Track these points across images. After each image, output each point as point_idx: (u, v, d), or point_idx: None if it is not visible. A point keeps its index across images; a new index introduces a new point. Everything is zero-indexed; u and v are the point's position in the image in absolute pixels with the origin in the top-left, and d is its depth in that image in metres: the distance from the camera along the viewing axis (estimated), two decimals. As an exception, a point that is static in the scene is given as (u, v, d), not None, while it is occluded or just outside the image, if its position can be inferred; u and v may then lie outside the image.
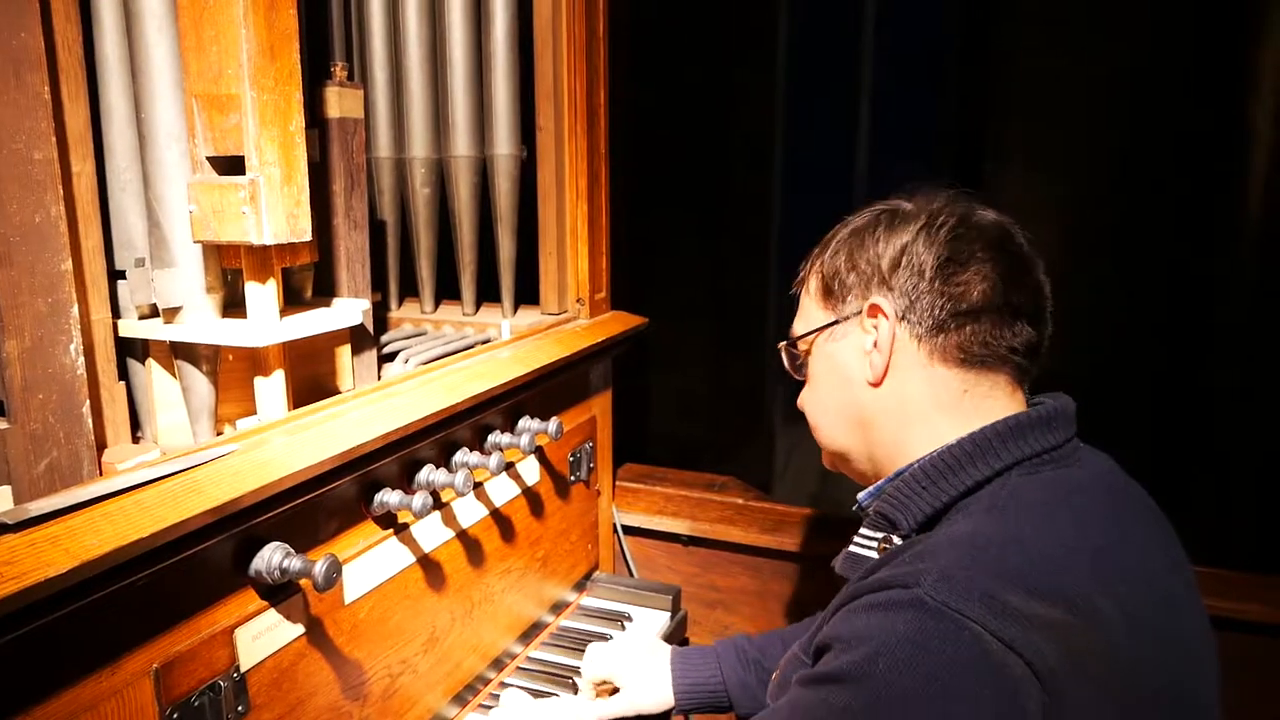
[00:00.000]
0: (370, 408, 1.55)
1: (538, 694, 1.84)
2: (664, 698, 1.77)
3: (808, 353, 1.40)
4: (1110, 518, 1.16)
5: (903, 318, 1.25)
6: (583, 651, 1.95)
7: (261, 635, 1.32)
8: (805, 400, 1.43)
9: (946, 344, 1.23)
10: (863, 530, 1.30)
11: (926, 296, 1.23)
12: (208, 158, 1.44)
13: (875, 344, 1.28)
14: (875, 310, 1.27)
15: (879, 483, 1.31)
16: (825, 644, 1.10)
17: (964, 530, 1.10)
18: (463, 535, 1.78)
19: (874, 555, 1.24)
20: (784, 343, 1.45)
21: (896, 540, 1.22)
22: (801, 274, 1.44)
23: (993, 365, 1.24)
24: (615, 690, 1.81)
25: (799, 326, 1.42)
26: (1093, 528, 1.11)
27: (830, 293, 1.34)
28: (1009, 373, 1.26)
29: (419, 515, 1.54)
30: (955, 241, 1.24)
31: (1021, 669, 0.95)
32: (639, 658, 1.81)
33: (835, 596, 1.21)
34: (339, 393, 1.77)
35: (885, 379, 1.28)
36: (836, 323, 1.34)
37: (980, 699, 0.95)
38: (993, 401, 1.24)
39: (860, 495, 1.35)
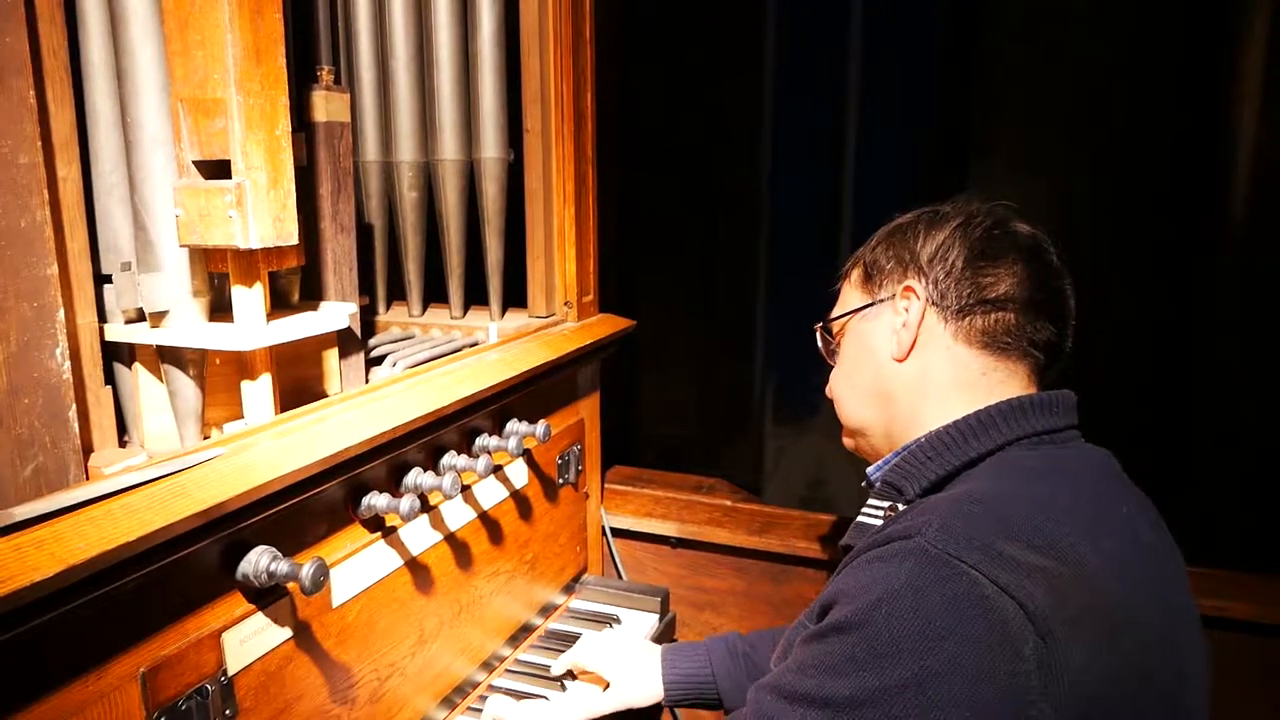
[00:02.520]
0: (357, 411, 1.55)
1: (522, 696, 1.84)
2: (654, 691, 1.78)
3: (841, 334, 1.50)
4: (1103, 490, 1.22)
5: (933, 301, 1.34)
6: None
7: (249, 639, 1.32)
8: (833, 380, 1.52)
9: (971, 327, 1.32)
10: (870, 501, 1.37)
11: (957, 284, 1.32)
12: (194, 161, 1.44)
13: (905, 323, 1.36)
14: (908, 291, 1.36)
15: (887, 457, 1.39)
16: (830, 600, 1.16)
17: (964, 490, 1.18)
18: (451, 538, 1.78)
19: (880, 523, 1.30)
20: (819, 325, 1.54)
21: (902, 506, 1.29)
22: (844, 268, 1.54)
23: (1013, 355, 1.32)
24: (602, 684, 1.82)
25: (837, 310, 1.52)
26: (1085, 494, 1.18)
27: (869, 278, 1.44)
28: (1028, 365, 1.33)
29: (406, 518, 1.54)
30: (989, 241, 1.33)
31: (1015, 611, 1.01)
32: (628, 653, 1.82)
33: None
34: (326, 396, 1.77)
35: (910, 355, 1.36)
36: (872, 304, 1.43)
37: (976, 639, 1.00)
38: (1006, 388, 1.31)
39: (869, 470, 1.43)
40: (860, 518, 1.38)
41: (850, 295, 1.50)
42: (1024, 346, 1.31)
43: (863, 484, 1.44)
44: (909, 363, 1.36)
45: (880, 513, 1.33)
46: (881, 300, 1.41)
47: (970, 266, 1.32)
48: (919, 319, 1.35)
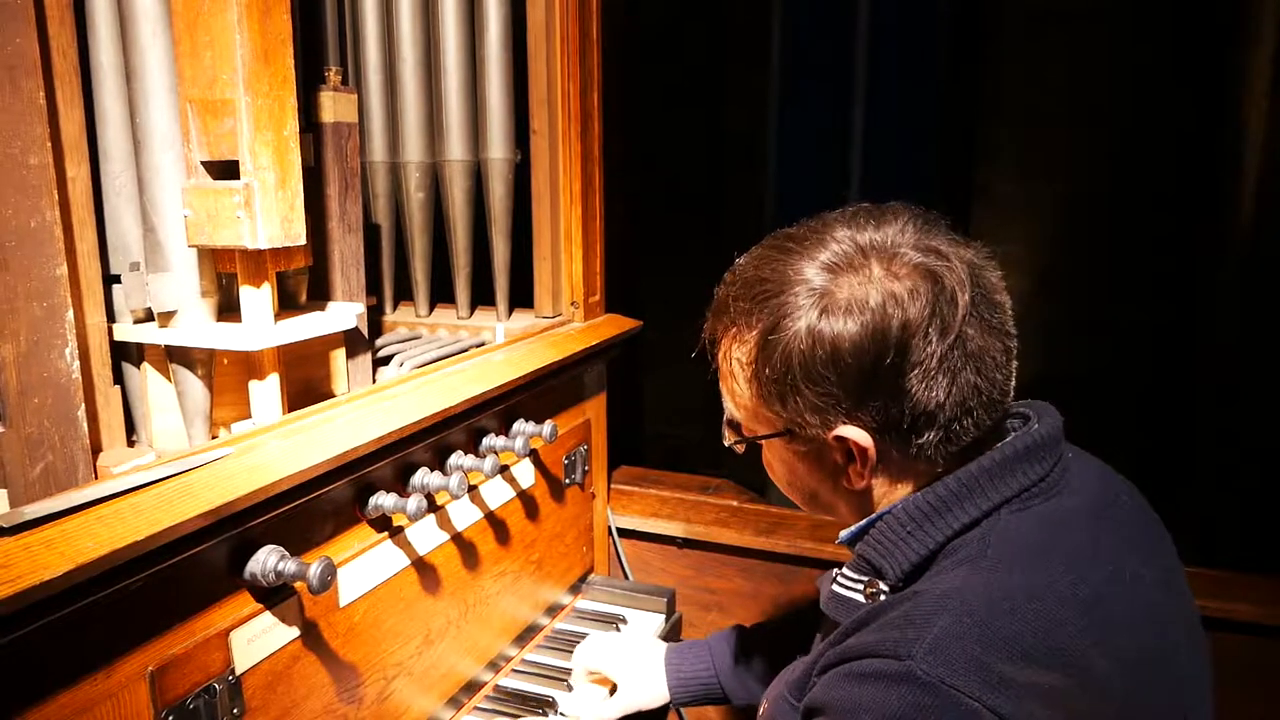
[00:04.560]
0: (365, 411, 1.55)
1: (527, 697, 1.85)
2: (660, 694, 1.78)
3: (752, 438, 1.24)
4: (1103, 551, 1.10)
5: (880, 432, 1.11)
6: (578, 654, 1.95)
7: (257, 638, 1.32)
8: (769, 470, 1.29)
9: (934, 452, 1.12)
10: (847, 570, 1.22)
11: (909, 415, 1.08)
12: (202, 162, 1.44)
13: (856, 470, 1.15)
14: (850, 443, 1.12)
15: (860, 523, 1.22)
16: (815, 708, 1.07)
17: (953, 587, 1.04)
18: (457, 538, 1.78)
19: (861, 598, 1.17)
20: (726, 424, 1.28)
21: (883, 586, 1.15)
22: (718, 335, 1.22)
23: (983, 445, 1.14)
24: (609, 685, 1.82)
25: (732, 408, 1.25)
26: (1086, 571, 1.06)
27: (769, 395, 1.15)
28: (994, 436, 1.16)
29: (414, 518, 1.55)
30: (930, 341, 1.06)
31: None
32: (634, 655, 1.82)
33: (823, 634, 1.18)
34: (334, 396, 1.77)
35: (867, 482, 1.17)
36: (793, 432, 1.17)
37: None
38: (982, 448, 1.16)
39: (842, 535, 1.25)
40: (837, 588, 1.22)
41: (748, 400, 1.20)
42: (988, 431, 1.13)
43: (836, 541, 1.27)
44: (866, 486, 1.17)
45: (860, 586, 1.18)
46: (805, 434, 1.15)
47: (922, 386, 1.06)
48: (871, 460, 1.13)
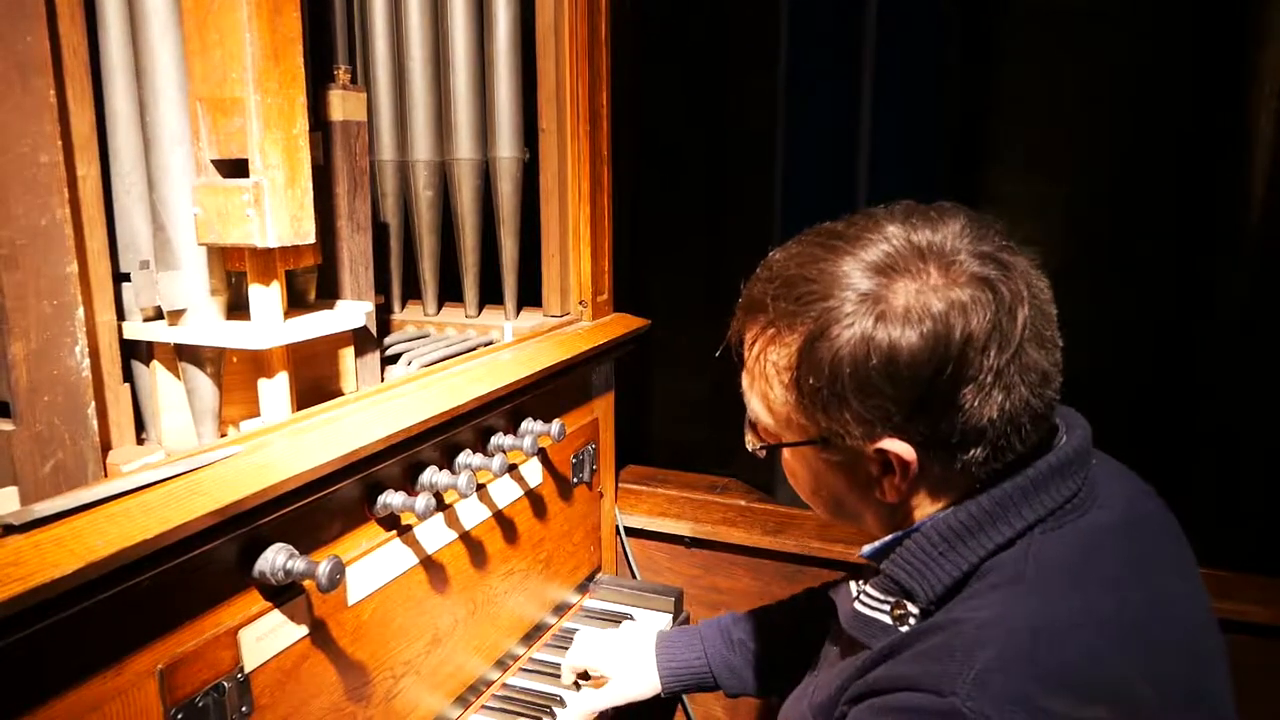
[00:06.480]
0: (373, 410, 1.55)
1: (529, 695, 1.84)
2: (651, 683, 1.76)
3: (780, 448, 1.19)
4: (1137, 569, 1.07)
5: (926, 446, 1.05)
6: (586, 653, 1.95)
7: (265, 636, 1.32)
8: (790, 475, 1.25)
9: (978, 469, 1.06)
10: (870, 590, 1.17)
11: (959, 430, 1.02)
12: (212, 161, 1.45)
13: (894, 484, 1.09)
14: (892, 455, 1.06)
15: (885, 539, 1.17)
16: None
17: (994, 615, 0.99)
18: (465, 537, 1.78)
19: (887, 619, 1.13)
20: (748, 426, 1.22)
21: (912, 608, 1.10)
22: (748, 334, 1.15)
23: (1027, 460, 1.08)
24: (603, 684, 1.81)
25: (760, 411, 1.18)
26: (1126, 593, 1.02)
27: (807, 404, 1.08)
28: (1038, 451, 1.10)
29: (422, 517, 1.55)
30: (989, 355, 1.00)
31: None
32: (623, 647, 1.80)
33: (841, 650, 1.15)
34: (342, 395, 1.77)
35: (903, 496, 1.11)
36: (828, 441, 1.10)
37: None
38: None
39: (865, 549, 1.20)
40: (860, 607, 1.17)
41: (776, 407, 1.14)
42: (1035, 445, 1.07)
43: (860, 555, 1.21)
44: (900, 501, 1.12)
45: (887, 608, 1.13)
46: (840, 445, 1.09)
47: (976, 404, 1.00)
48: (911, 474, 1.07)
